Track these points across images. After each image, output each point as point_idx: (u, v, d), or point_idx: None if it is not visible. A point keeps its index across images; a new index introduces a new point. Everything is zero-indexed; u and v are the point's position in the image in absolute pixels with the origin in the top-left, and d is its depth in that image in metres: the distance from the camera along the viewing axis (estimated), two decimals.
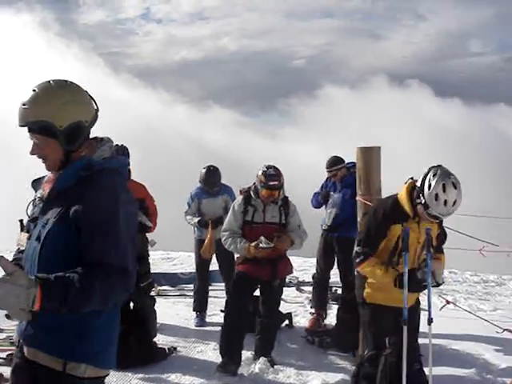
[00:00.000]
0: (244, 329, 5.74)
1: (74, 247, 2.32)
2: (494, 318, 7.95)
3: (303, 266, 11.69)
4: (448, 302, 4.81)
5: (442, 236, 4.44)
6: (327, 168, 7.10)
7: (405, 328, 4.00)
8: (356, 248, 4.33)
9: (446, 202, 3.89)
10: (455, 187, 3.92)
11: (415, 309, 4.15)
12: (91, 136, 2.54)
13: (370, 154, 5.53)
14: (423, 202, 3.98)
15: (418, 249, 4.20)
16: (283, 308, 7.72)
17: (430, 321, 4.05)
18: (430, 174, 3.97)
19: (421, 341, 4.51)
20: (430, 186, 3.94)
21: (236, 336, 5.65)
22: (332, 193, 7.10)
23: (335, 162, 7.05)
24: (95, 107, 2.51)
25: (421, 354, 4.38)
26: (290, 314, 7.45)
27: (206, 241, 7.36)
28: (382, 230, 4.21)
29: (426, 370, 4.27)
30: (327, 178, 7.26)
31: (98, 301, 2.23)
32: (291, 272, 6.20)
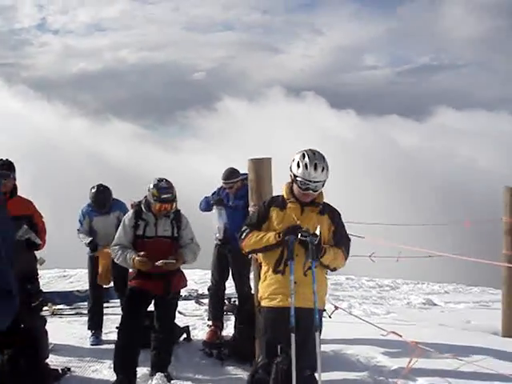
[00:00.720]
0: (138, 344, 5.63)
1: None
2: (387, 321, 8.31)
3: (204, 278, 11.63)
4: (336, 308, 4.90)
5: (339, 235, 4.49)
6: (223, 180, 7.11)
7: (292, 335, 4.05)
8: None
9: (306, 166, 4.25)
10: (314, 154, 4.33)
11: (309, 312, 4.20)
12: None
13: (261, 165, 5.61)
14: (292, 177, 4.35)
15: (303, 259, 4.26)
16: (181, 321, 7.66)
17: (316, 328, 4.12)
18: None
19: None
20: (293, 160, 4.37)
21: (130, 352, 5.53)
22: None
23: (231, 174, 7.06)
24: None
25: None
26: (187, 327, 7.39)
27: (100, 268, 7.26)
28: (263, 213, 4.51)
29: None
30: (221, 188, 7.26)
31: None
32: (185, 285, 6.14)
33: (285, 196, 4.51)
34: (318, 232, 4.17)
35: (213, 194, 7.28)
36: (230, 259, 7.06)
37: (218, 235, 7.06)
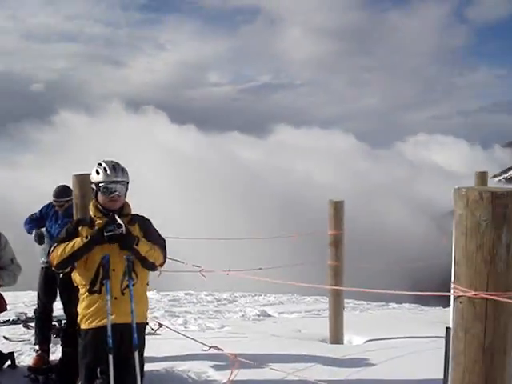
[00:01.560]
0: None
1: None
2: (221, 334, 8.34)
3: (34, 300, 10.96)
4: (160, 325, 4.80)
5: (153, 237, 4.40)
6: (54, 198, 6.73)
7: (110, 356, 3.90)
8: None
9: (106, 169, 4.32)
10: (110, 160, 4.46)
11: (128, 330, 4.05)
12: None
13: (87, 181, 5.39)
14: (95, 187, 4.36)
15: (121, 275, 4.15)
16: (7, 347, 7.11)
17: (135, 347, 4.00)
18: None
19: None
20: (91, 174, 4.44)
21: None
22: (48, 224, 6.78)
23: (62, 193, 6.70)
24: None
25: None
26: (11, 353, 6.85)
27: None
28: (71, 230, 4.37)
29: None
30: (50, 204, 6.87)
31: None
32: (4, 309, 5.73)
33: (92, 214, 4.37)
34: (120, 222, 4.14)
35: (40, 211, 6.88)
36: (58, 280, 6.69)
37: (43, 258, 6.67)
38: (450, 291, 2.14)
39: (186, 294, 13.29)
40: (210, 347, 4.09)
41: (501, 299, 1.95)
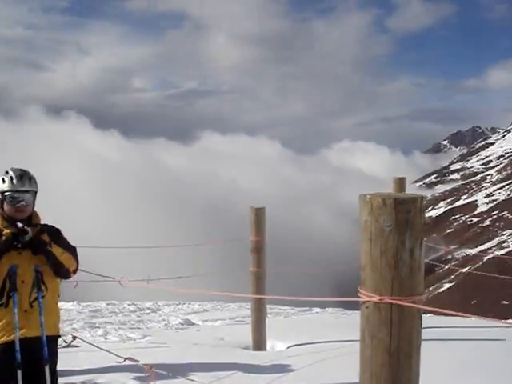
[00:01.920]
0: None
1: None
2: (142, 345, 8.17)
3: None
4: (74, 338, 4.65)
5: (63, 246, 4.26)
6: None
7: (19, 372, 3.74)
8: None
9: (12, 178, 4.19)
10: (18, 168, 4.30)
11: (38, 343, 3.89)
12: None
13: None
14: (1, 197, 4.19)
15: (30, 287, 3.99)
16: None
17: (45, 361, 3.84)
18: None
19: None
20: None
21: None
22: None
23: None
24: None
25: None
26: None
27: None
28: None
29: None
30: None
31: None
32: None
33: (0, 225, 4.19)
34: (26, 228, 4.01)
35: None
36: None
37: None
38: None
39: (108, 304, 12.94)
40: (125, 359, 3.98)
41: (405, 304, 1.98)
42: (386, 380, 2.05)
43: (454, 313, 2.39)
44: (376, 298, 2.00)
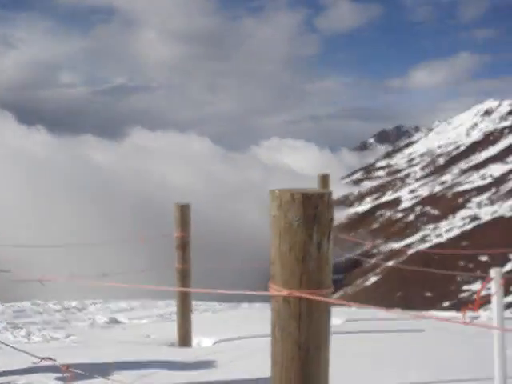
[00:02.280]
0: None
1: None
2: (65, 344, 7.99)
3: None
4: None
5: None
6: None
7: None
8: None
9: None
10: None
11: None
12: None
13: None
14: None
15: None
16: None
17: None
18: None
19: None
20: None
21: None
22: None
23: None
24: None
25: None
26: None
27: None
28: None
29: None
30: None
31: None
32: None
33: None
34: None
35: None
36: None
37: None
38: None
39: (32, 304, 12.59)
40: (42, 359, 3.89)
41: (313, 297, 2.02)
42: (296, 372, 2.09)
43: (366, 305, 2.46)
44: (285, 292, 2.04)
